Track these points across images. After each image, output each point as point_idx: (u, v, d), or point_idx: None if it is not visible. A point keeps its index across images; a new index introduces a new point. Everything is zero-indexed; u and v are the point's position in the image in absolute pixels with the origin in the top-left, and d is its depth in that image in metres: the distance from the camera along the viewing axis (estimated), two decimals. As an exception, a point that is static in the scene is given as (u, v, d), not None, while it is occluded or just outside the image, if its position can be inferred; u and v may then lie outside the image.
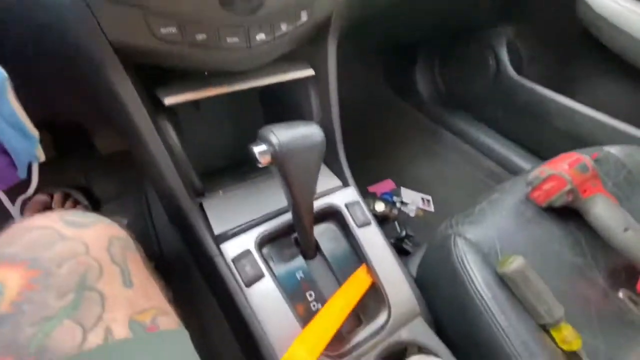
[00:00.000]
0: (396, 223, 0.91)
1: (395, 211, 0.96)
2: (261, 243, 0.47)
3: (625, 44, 0.73)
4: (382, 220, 0.92)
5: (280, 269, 0.46)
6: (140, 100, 0.40)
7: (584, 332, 0.41)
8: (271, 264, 0.46)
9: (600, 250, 0.49)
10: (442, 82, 1.17)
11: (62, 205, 0.84)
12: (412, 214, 0.99)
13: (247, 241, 0.46)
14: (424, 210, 1.00)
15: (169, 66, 0.41)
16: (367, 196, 0.98)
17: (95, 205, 0.90)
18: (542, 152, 0.93)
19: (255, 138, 0.37)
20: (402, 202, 1.01)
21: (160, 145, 0.42)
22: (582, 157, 0.51)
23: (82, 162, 0.93)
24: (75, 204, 0.86)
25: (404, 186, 1.05)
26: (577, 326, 0.41)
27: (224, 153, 0.66)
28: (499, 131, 1.04)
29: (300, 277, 0.46)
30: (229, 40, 0.38)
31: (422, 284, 0.51)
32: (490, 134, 1.05)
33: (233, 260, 0.44)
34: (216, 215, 0.49)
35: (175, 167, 0.44)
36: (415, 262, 0.58)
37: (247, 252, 0.44)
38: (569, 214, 0.51)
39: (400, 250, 0.88)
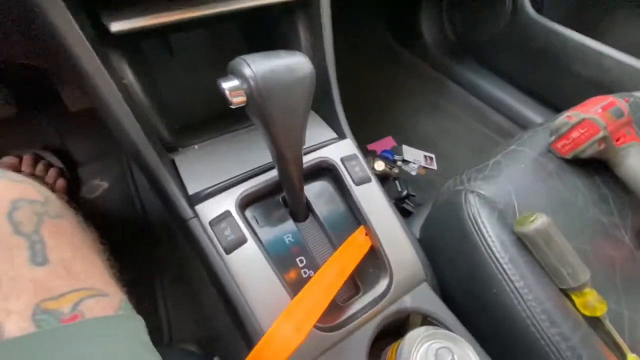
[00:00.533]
0: (396, 182, 0.85)
1: (395, 170, 0.90)
2: (243, 204, 0.41)
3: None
4: (382, 180, 0.86)
5: (266, 233, 0.41)
6: (76, 26, 0.31)
7: (606, 296, 0.38)
8: (255, 227, 0.40)
9: (629, 207, 0.45)
10: (450, 26, 1.06)
11: (33, 168, 0.77)
12: (413, 173, 0.93)
13: (226, 201, 0.40)
14: (427, 169, 0.94)
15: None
16: (366, 155, 0.92)
17: (72, 168, 0.83)
18: (559, 104, 0.85)
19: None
20: (403, 161, 0.95)
21: (110, 84, 0.34)
22: (617, 100, 0.44)
23: (56, 121, 0.84)
24: (49, 166, 0.79)
25: (405, 143, 0.99)
26: (599, 290, 0.38)
27: (203, 104, 0.57)
28: (510, 82, 0.96)
29: (290, 242, 0.41)
30: None
31: (428, 246, 0.46)
32: (500, 85, 0.97)
33: (210, 223, 0.38)
34: (190, 172, 0.42)
35: (134, 113, 0.36)
36: (417, 223, 0.54)
37: (226, 214, 0.38)
38: (595, 166, 0.46)
39: (401, 210, 0.83)
